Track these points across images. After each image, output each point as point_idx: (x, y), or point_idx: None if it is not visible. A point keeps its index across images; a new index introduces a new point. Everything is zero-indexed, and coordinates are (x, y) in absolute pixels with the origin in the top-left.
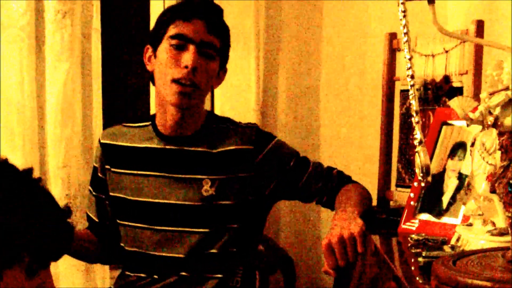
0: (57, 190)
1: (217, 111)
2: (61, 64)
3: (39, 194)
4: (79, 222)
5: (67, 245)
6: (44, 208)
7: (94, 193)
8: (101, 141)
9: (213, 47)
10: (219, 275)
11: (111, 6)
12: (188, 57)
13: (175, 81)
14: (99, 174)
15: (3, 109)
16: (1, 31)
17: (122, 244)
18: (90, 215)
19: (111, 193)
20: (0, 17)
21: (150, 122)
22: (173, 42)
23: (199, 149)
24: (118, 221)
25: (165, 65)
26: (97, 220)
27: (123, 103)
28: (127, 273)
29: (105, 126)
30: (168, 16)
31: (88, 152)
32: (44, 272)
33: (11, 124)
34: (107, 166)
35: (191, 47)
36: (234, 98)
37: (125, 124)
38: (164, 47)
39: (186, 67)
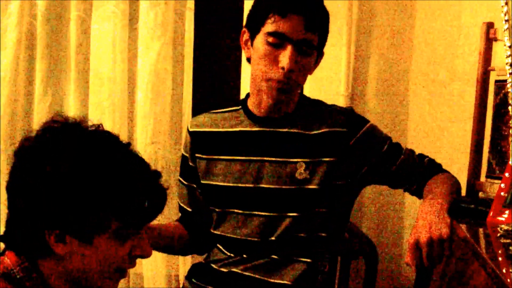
0: None
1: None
2: (154, 42)
3: (127, 156)
4: None
5: (160, 206)
6: (132, 170)
7: (185, 182)
8: (190, 129)
9: (311, 45)
10: (308, 259)
11: None
12: (285, 59)
13: (271, 79)
14: (189, 163)
15: (93, 84)
16: (94, 8)
17: (212, 230)
18: (182, 205)
19: (202, 181)
20: None
21: (240, 107)
22: (270, 39)
23: (294, 130)
24: (210, 207)
25: (261, 61)
26: (190, 209)
27: (213, 82)
28: (216, 251)
29: (194, 105)
30: (265, 5)
31: (176, 130)
32: (137, 235)
33: (101, 100)
34: (198, 154)
35: (289, 47)
36: (324, 83)
37: (212, 111)
38: (261, 40)
39: (282, 68)
